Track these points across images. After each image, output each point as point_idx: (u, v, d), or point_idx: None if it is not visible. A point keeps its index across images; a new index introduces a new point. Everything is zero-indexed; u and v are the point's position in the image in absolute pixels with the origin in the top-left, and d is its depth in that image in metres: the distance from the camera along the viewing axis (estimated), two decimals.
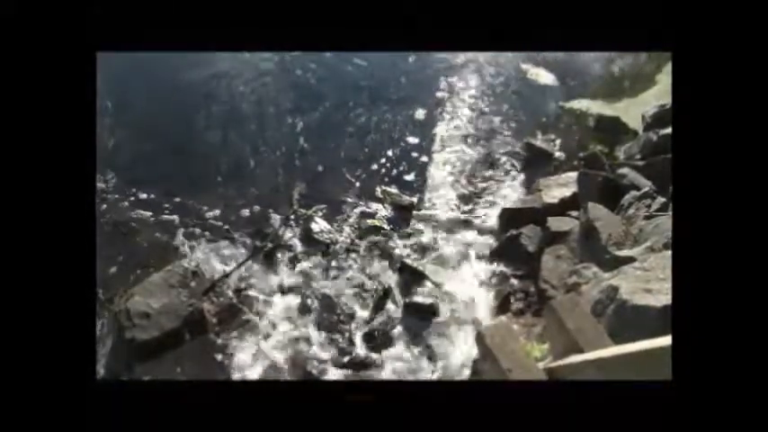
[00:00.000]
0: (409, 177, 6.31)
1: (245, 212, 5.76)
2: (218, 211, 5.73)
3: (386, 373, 4.41)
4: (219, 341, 4.60)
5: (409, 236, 5.59)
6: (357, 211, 5.83)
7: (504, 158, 6.60)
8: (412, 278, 5.08)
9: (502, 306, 4.85)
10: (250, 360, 4.48)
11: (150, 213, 5.67)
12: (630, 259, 4.15)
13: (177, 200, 5.82)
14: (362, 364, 4.46)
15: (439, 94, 7.61)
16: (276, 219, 5.66)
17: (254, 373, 4.39)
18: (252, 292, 4.99)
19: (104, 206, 5.67)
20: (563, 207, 5.44)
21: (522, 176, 6.34)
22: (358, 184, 6.16)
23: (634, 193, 4.97)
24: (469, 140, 6.84)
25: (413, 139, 6.83)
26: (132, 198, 5.83)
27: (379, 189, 6.08)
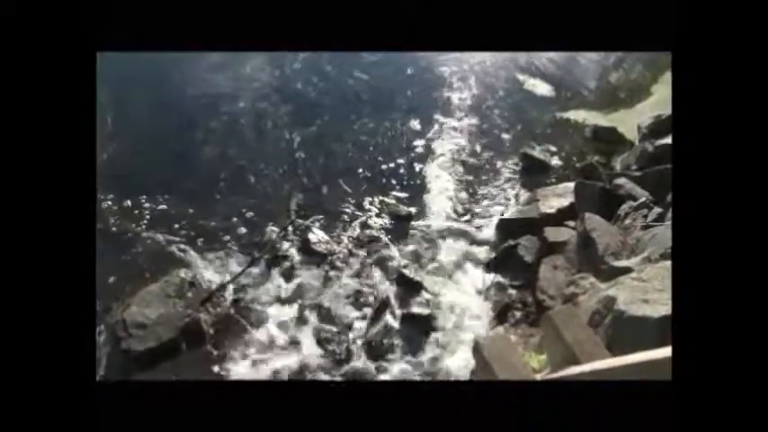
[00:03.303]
0: (407, 188, 6.31)
1: (243, 223, 5.75)
2: (215, 222, 5.72)
3: None
4: (216, 352, 4.57)
5: (407, 246, 5.58)
6: (355, 221, 5.83)
7: (501, 169, 6.62)
8: (409, 289, 5.07)
9: (499, 316, 4.84)
10: (247, 371, 4.46)
11: (148, 223, 5.66)
12: (628, 270, 4.14)
13: (175, 210, 5.82)
14: (360, 375, 4.43)
15: (437, 106, 7.64)
16: (274, 229, 5.65)
17: None
18: (249, 303, 4.97)
19: (101, 215, 5.65)
20: (560, 217, 5.45)
21: (519, 187, 6.35)
22: (356, 194, 6.16)
23: (631, 203, 4.99)
24: (467, 151, 6.86)
25: (411, 150, 6.85)
26: (130, 208, 5.82)
27: (377, 199, 6.08)
